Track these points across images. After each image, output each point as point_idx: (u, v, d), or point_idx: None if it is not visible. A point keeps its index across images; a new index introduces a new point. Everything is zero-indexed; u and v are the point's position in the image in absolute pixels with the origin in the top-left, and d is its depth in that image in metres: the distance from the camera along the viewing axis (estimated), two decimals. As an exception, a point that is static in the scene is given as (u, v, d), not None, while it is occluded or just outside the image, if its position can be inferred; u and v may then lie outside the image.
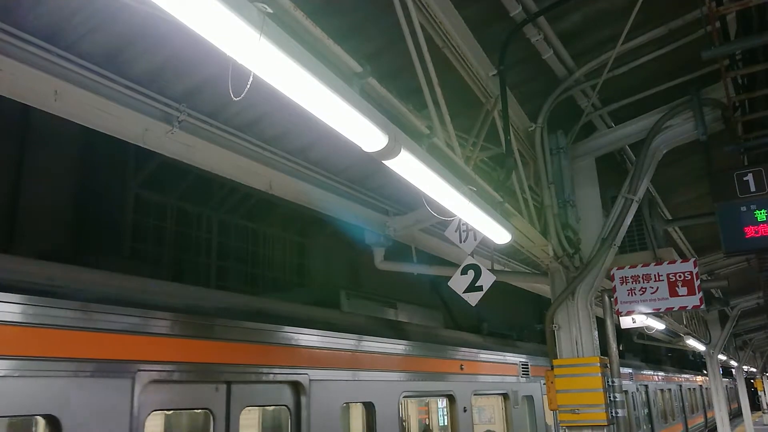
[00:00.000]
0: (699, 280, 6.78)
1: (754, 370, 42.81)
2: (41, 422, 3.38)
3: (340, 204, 6.52)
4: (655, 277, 6.91)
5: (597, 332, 6.97)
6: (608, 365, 6.88)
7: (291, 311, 5.48)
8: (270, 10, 2.27)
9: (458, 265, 6.59)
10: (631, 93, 6.89)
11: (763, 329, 26.29)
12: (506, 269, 9.71)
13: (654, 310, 6.97)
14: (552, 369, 6.90)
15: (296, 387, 5.08)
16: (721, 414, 18.39)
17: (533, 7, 5.22)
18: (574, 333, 6.90)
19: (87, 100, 4.07)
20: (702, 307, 6.87)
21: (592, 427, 6.53)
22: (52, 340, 3.38)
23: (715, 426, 20.17)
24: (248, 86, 2.43)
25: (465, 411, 7.53)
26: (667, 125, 6.79)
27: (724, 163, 7.11)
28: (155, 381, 3.90)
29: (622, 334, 14.76)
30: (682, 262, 6.93)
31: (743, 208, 6.02)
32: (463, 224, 6.26)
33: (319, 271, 11.16)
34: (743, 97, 5.83)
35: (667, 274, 6.87)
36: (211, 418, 4.31)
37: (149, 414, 3.87)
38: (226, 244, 9.58)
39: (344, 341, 5.76)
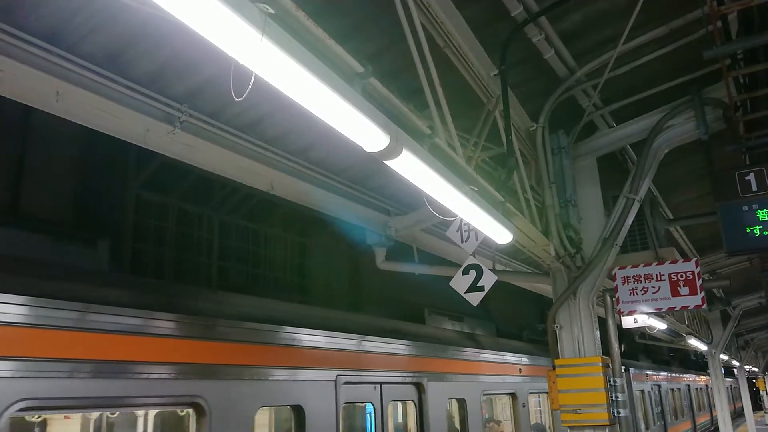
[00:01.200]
0: (701, 280, 6.77)
1: (756, 370, 42.75)
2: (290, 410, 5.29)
3: (341, 204, 6.52)
4: (657, 277, 6.90)
5: (599, 332, 6.96)
6: (610, 365, 6.88)
7: (407, 328, 7.39)
8: (271, 11, 2.27)
9: (460, 265, 6.59)
10: (633, 93, 6.88)
11: (765, 329, 26.25)
12: (508, 269, 9.70)
13: (656, 309, 6.96)
14: (554, 369, 6.90)
15: (419, 387, 7.03)
16: (723, 414, 18.36)
17: (534, 6, 5.22)
18: (576, 333, 6.89)
19: (88, 101, 4.08)
20: (704, 306, 6.86)
21: (594, 427, 6.52)
22: (304, 359, 5.43)
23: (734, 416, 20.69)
24: (250, 87, 2.43)
25: (524, 407, 9.20)
26: (668, 125, 6.78)
27: (725, 163, 7.10)
28: (346, 383, 5.84)
29: (624, 334, 14.84)
30: (683, 261, 6.92)
31: (745, 208, 6.01)
32: (464, 224, 6.26)
33: (321, 272, 11.16)
34: (745, 97, 5.82)
35: (669, 274, 6.87)
36: (373, 407, 6.34)
37: (343, 405, 5.79)
38: (227, 244, 9.58)
39: (447, 352, 7.72)
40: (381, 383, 6.39)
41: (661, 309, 6.93)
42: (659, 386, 18.86)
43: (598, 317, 7.09)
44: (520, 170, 6.08)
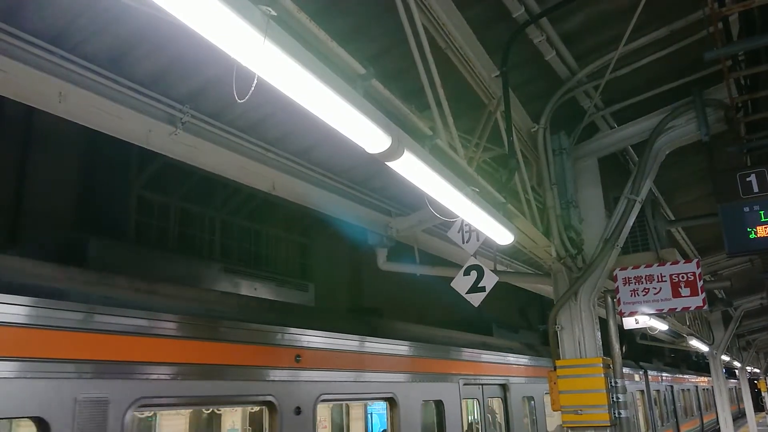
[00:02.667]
0: (702, 281, 6.77)
1: (758, 371, 42.69)
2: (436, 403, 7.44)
3: (342, 205, 6.53)
4: (658, 278, 6.91)
5: (600, 333, 6.97)
6: (611, 366, 6.88)
7: (493, 341, 9.57)
8: (274, 13, 2.28)
9: (461, 266, 6.59)
10: (634, 94, 6.89)
11: (767, 330, 26.22)
12: (509, 270, 9.71)
13: (657, 310, 6.96)
14: (555, 369, 6.90)
15: (503, 387, 9.20)
16: (724, 415, 18.34)
17: (536, 8, 5.22)
18: (577, 333, 6.90)
19: (91, 102, 4.09)
20: (705, 307, 6.86)
21: (595, 428, 6.52)
22: (443, 367, 7.68)
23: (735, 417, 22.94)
24: (252, 88, 2.44)
25: None
26: (669, 126, 6.79)
27: (726, 164, 7.11)
28: (465, 384, 8.06)
29: (626, 335, 14.96)
30: (685, 262, 6.92)
31: (746, 209, 6.02)
32: (465, 225, 6.27)
33: (322, 272, 11.17)
34: (746, 98, 5.83)
35: (670, 275, 6.87)
36: (476, 402, 8.54)
37: (463, 399, 7.94)
38: (229, 244, 9.60)
39: (520, 360, 9.97)
40: (482, 384, 8.64)
41: (662, 310, 6.93)
42: (672, 387, 20.68)
43: (599, 318, 7.10)
44: (522, 171, 6.09)
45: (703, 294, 6.72)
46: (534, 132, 6.85)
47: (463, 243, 6.33)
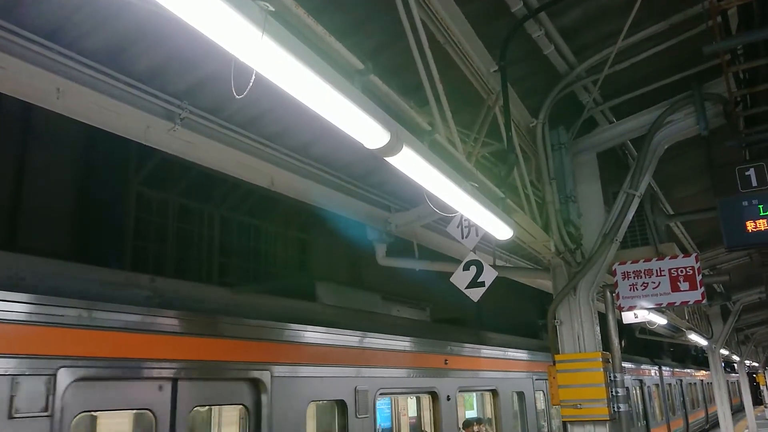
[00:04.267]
0: (701, 275, 6.78)
1: (757, 364, 42.80)
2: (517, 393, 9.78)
3: (341, 200, 6.53)
4: (657, 272, 6.92)
5: (599, 327, 6.98)
6: (610, 360, 6.90)
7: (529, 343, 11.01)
8: (272, 8, 2.27)
9: (460, 261, 6.60)
10: (633, 88, 6.88)
11: (766, 324, 26.29)
12: (508, 265, 9.72)
13: (656, 305, 6.98)
14: (554, 364, 6.92)
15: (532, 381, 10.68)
16: (723, 409, 18.40)
17: (534, 2, 5.21)
18: (576, 328, 6.91)
19: (89, 98, 4.08)
20: (704, 302, 6.88)
21: (594, 422, 6.54)
22: (518, 366, 9.97)
23: (735, 411, 24.90)
24: (251, 84, 2.44)
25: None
26: (668, 120, 6.78)
27: (725, 158, 7.11)
28: (536, 379, 10.19)
29: (624, 329, 15.13)
30: (683, 257, 6.93)
31: (745, 203, 6.02)
32: (464, 220, 6.27)
33: (321, 267, 11.19)
34: (745, 92, 5.83)
35: (669, 269, 6.88)
36: (542, 394, 10.64)
37: (534, 390, 10.25)
38: (229, 240, 9.60)
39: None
40: (545, 379, 10.15)
41: (661, 304, 6.95)
42: (681, 381, 22.74)
43: (599, 312, 7.11)
44: (521, 166, 6.09)
45: (702, 288, 6.73)
46: (533, 127, 6.85)
47: (463, 238, 6.33)
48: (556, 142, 7.09)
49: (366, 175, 6.68)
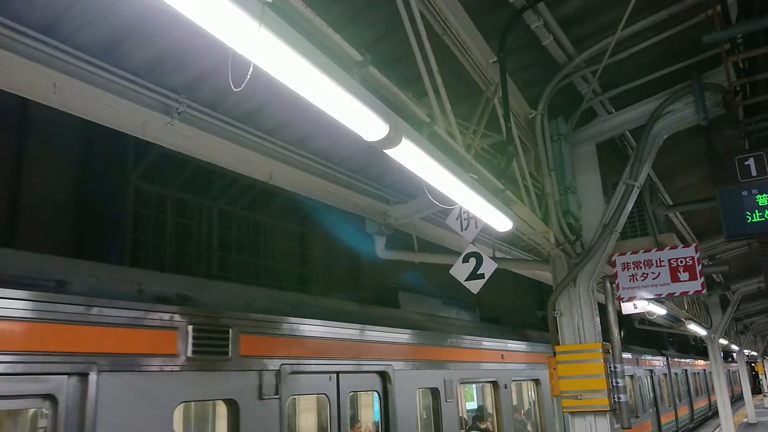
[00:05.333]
0: (700, 265, 6.79)
1: (756, 354, 42.95)
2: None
3: (340, 193, 6.52)
4: (657, 263, 6.92)
5: (599, 318, 6.99)
6: (610, 351, 6.91)
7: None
8: (269, 0, 2.25)
9: (460, 254, 6.60)
10: (632, 78, 6.86)
11: (764, 313, 26.36)
12: (508, 257, 9.72)
13: (655, 295, 6.98)
14: (554, 355, 6.93)
15: None
16: (722, 398, 18.47)
17: (533, -8, 5.18)
18: (576, 319, 6.92)
19: (86, 93, 4.06)
20: (704, 292, 6.88)
21: (595, 412, 6.56)
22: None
23: (736, 399, 26.89)
24: (248, 77, 2.42)
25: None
26: (667, 110, 6.76)
27: (725, 148, 7.10)
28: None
29: (624, 320, 15.29)
30: (683, 247, 6.93)
31: (744, 193, 6.01)
32: (464, 212, 6.26)
33: (321, 261, 11.18)
34: (744, 81, 5.81)
35: (669, 260, 6.88)
36: None
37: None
38: (228, 234, 9.58)
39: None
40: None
41: (661, 295, 6.95)
42: (686, 371, 24.17)
43: (598, 303, 7.11)
44: (520, 157, 6.07)
45: (702, 278, 6.74)
46: (532, 118, 6.83)
47: (462, 230, 6.33)
48: (556, 133, 7.07)
49: (364, 167, 6.67)
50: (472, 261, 6.47)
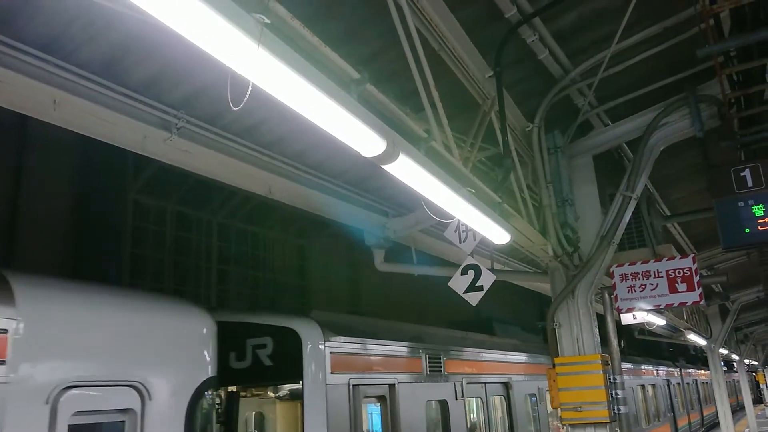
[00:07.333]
0: (698, 276, 6.79)
1: (756, 363, 42.84)
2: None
3: (339, 207, 6.54)
4: (655, 274, 6.93)
5: (598, 330, 6.99)
6: (609, 362, 6.90)
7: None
8: (268, 21, 2.28)
9: (458, 265, 6.61)
10: (627, 91, 6.90)
11: (764, 322, 26.33)
12: (506, 268, 9.73)
13: (654, 306, 6.99)
14: (554, 367, 6.92)
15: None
16: (723, 408, 18.41)
17: (528, 7, 5.23)
18: (575, 331, 6.92)
19: (86, 109, 4.09)
20: (702, 302, 6.89)
21: (595, 424, 6.55)
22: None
23: (739, 408, 27.91)
24: (247, 96, 2.45)
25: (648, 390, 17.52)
26: (663, 122, 6.81)
27: (721, 159, 7.13)
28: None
29: (623, 331, 15.33)
30: (681, 258, 6.95)
31: (741, 204, 6.04)
32: (462, 224, 6.28)
33: (319, 273, 11.19)
34: (739, 94, 5.85)
35: (667, 271, 6.89)
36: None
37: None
38: (226, 247, 9.60)
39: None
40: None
41: (660, 306, 6.96)
42: (696, 380, 26.18)
43: (597, 315, 7.12)
44: (517, 170, 6.10)
45: (700, 289, 6.74)
46: (528, 131, 6.87)
47: (460, 242, 6.34)
48: (552, 145, 7.11)
49: (363, 181, 6.70)
50: (471, 273, 6.48)
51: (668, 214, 10.75)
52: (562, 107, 6.92)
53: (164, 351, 4.12)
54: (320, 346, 5.61)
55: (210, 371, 4.39)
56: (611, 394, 6.65)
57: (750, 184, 6.07)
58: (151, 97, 4.47)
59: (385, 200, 7.22)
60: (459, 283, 6.53)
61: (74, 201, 7.50)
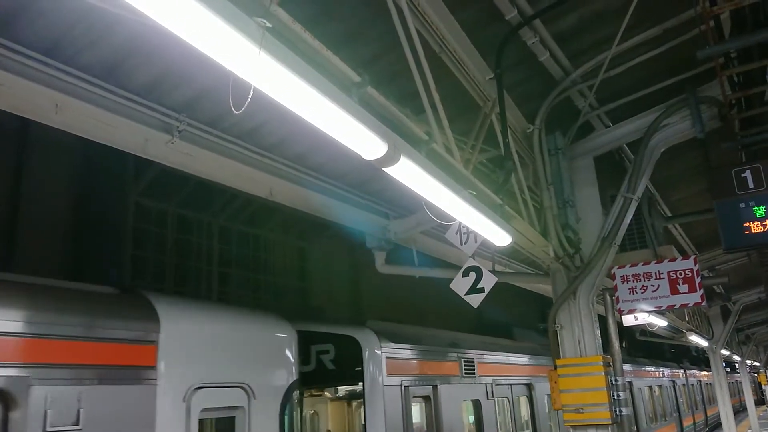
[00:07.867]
0: (700, 277, 6.79)
1: (758, 364, 42.77)
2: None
3: (340, 209, 6.55)
4: (656, 275, 6.93)
5: (599, 331, 6.99)
6: (611, 364, 6.90)
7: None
8: (269, 25, 2.29)
9: (460, 267, 6.61)
10: (628, 92, 6.91)
11: (766, 323, 26.30)
12: (508, 270, 9.73)
13: (655, 308, 6.98)
14: (555, 369, 6.92)
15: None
16: (725, 409, 18.38)
17: (528, 9, 5.23)
18: (577, 332, 6.91)
19: (88, 113, 4.10)
20: (703, 304, 6.88)
21: (596, 426, 6.54)
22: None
23: (742, 409, 28.41)
24: (248, 100, 2.45)
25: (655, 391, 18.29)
26: (664, 124, 6.81)
27: (722, 160, 7.13)
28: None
29: (625, 333, 15.36)
30: (682, 259, 6.95)
31: (742, 205, 6.04)
32: (463, 227, 6.28)
33: (320, 275, 11.18)
34: (739, 95, 5.86)
35: (668, 272, 6.89)
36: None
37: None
38: (228, 250, 9.59)
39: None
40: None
41: (661, 307, 6.95)
42: (700, 381, 27.14)
43: (599, 316, 7.11)
44: (518, 172, 6.10)
45: (701, 290, 6.74)
46: (529, 133, 6.87)
47: (461, 244, 6.35)
48: (553, 147, 7.11)
49: (364, 183, 6.70)
50: (472, 275, 6.49)
51: (669, 215, 10.75)
52: (563, 109, 6.92)
53: (263, 357, 5.00)
54: (377, 351, 6.34)
55: (295, 374, 5.26)
56: (613, 395, 6.65)
57: (751, 185, 6.07)
58: (152, 101, 4.47)
59: (386, 202, 7.22)
60: (460, 284, 6.54)
61: (75, 202, 7.50)
